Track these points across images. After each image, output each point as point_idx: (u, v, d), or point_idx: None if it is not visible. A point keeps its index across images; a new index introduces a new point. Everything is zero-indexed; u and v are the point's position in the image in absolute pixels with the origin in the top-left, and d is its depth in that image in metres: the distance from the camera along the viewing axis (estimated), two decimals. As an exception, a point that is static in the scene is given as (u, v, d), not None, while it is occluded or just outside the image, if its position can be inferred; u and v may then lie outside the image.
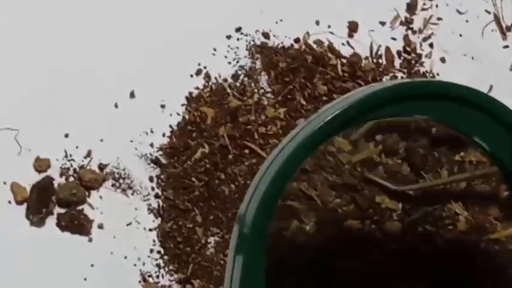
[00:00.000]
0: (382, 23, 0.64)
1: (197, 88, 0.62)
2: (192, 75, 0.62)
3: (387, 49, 0.64)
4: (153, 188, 0.60)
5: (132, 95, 0.61)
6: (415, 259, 0.60)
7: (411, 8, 0.65)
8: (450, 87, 0.47)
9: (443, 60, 0.64)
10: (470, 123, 0.48)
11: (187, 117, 0.62)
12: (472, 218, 0.61)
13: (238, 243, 0.45)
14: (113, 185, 0.60)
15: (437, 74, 0.65)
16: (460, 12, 0.65)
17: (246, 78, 0.63)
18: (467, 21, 0.65)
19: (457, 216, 0.61)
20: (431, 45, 0.65)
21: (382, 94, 0.47)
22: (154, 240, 0.60)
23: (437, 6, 0.65)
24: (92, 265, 0.58)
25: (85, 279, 0.58)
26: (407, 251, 0.60)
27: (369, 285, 0.59)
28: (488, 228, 0.61)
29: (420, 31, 0.65)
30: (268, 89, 0.63)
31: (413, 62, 0.65)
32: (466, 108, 0.46)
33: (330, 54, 0.64)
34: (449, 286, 0.60)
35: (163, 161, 0.61)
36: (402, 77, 0.65)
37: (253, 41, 0.63)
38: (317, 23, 0.63)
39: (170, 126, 0.61)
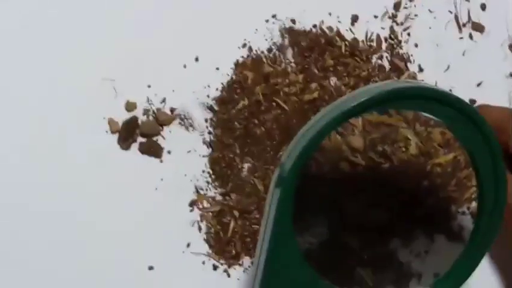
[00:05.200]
0: (375, 16, 0.71)
1: (242, 57, 0.68)
2: (239, 47, 0.68)
3: (377, 35, 0.71)
4: (207, 127, 0.67)
5: (196, 59, 0.67)
6: (375, 174, 0.67)
7: (396, 6, 0.71)
8: (447, 96, 0.51)
9: (416, 45, 0.71)
10: (455, 124, 0.53)
11: (234, 77, 0.68)
12: (421, 143, 0.67)
13: (278, 182, 0.52)
14: (179, 123, 0.67)
15: (411, 55, 0.71)
16: (430, 11, 0.72)
17: (277, 52, 0.69)
18: (435, 18, 0.72)
19: (408, 140, 0.67)
20: (408, 34, 0.71)
21: (410, 91, 0.52)
22: (205, 164, 0.67)
23: (415, 6, 0.72)
24: (162, 179, 0.66)
25: (156, 188, 0.66)
26: (370, 166, 0.67)
27: (338, 192, 0.67)
28: (433, 153, 0.67)
29: (402, 23, 0.72)
30: (292, 61, 0.69)
31: (395, 45, 0.71)
32: (454, 110, 0.51)
33: (337, 38, 0.70)
34: (401, 198, 0.67)
35: (216, 108, 0.68)
36: (386, 57, 0.71)
37: (284, 24, 0.69)
38: (330, 14, 0.70)
39: (222, 83, 0.68)
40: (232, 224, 0.68)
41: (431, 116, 0.53)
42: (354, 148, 0.67)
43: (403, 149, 0.67)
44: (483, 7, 0.74)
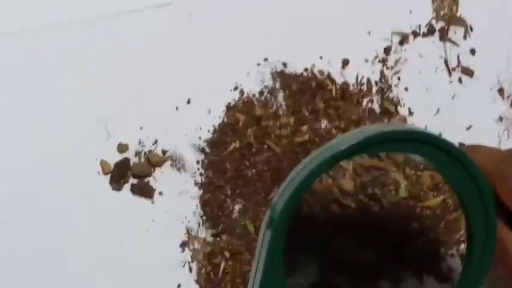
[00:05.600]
0: (366, 60, 0.71)
1: (234, 99, 0.68)
2: (231, 90, 0.68)
3: (368, 79, 0.71)
4: (198, 169, 0.68)
5: (188, 102, 0.67)
6: (365, 215, 0.67)
7: (387, 51, 0.72)
8: (434, 138, 0.51)
9: (406, 89, 0.71)
10: (444, 166, 0.52)
11: (225, 120, 0.68)
12: (410, 186, 0.67)
13: (269, 223, 0.52)
14: (171, 165, 0.67)
15: (402, 99, 0.71)
16: (420, 56, 0.72)
17: (268, 95, 0.70)
18: (425, 62, 0.72)
19: (398, 184, 0.67)
20: (399, 78, 0.72)
21: (395, 134, 0.51)
22: (197, 205, 0.67)
23: (405, 50, 0.72)
24: (153, 220, 0.66)
25: (147, 229, 0.66)
26: (359, 209, 0.67)
27: (329, 234, 0.66)
28: (422, 196, 0.67)
29: (392, 67, 0.72)
30: (284, 103, 0.69)
31: (385, 89, 0.72)
32: (442, 152, 0.51)
33: (327, 81, 0.70)
34: (390, 240, 0.67)
35: (207, 150, 0.68)
36: (377, 100, 0.71)
37: (275, 68, 0.70)
38: (321, 57, 0.70)
39: (213, 126, 0.68)
40: (223, 265, 0.67)
41: (421, 159, 0.52)
42: (345, 191, 0.67)
43: (393, 192, 0.68)
44: (472, 52, 0.74)
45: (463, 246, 0.69)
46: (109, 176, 0.67)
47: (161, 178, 0.68)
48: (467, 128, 0.72)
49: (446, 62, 0.74)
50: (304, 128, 0.70)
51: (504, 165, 0.53)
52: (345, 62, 0.72)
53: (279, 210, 0.52)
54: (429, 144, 0.51)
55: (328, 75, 0.71)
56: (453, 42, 0.74)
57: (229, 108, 0.70)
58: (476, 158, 0.52)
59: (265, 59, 0.71)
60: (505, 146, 0.72)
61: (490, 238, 0.54)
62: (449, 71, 0.74)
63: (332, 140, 0.55)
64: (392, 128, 0.54)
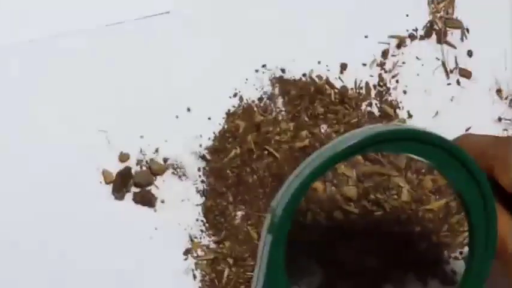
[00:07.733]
0: (364, 64, 0.71)
1: (234, 106, 0.68)
2: (230, 97, 0.68)
3: (366, 83, 0.71)
4: (200, 176, 0.67)
5: (188, 109, 0.67)
6: (368, 221, 0.66)
7: (384, 54, 0.72)
8: (430, 135, 0.50)
9: (405, 92, 0.71)
10: (442, 164, 0.51)
11: (226, 127, 0.68)
12: (412, 190, 0.67)
13: (269, 227, 0.51)
14: (172, 173, 0.67)
15: (400, 102, 0.71)
16: (418, 59, 0.72)
17: (267, 101, 0.69)
18: (422, 65, 0.72)
19: (400, 188, 0.67)
20: (397, 81, 0.72)
21: (393, 133, 0.50)
22: (199, 213, 0.67)
23: (402, 53, 0.72)
24: (156, 228, 0.66)
25: (150, 237, 0.66)
26: (363, 214, 0.66)
27: (332, 240, 0.66)
28: (424, 200, 0.67)
29: (390, 71, 0.72)
30: (283, 109, 0.69)
31: (383, 92, 0.71)
32: (439, 150, 0.50)
33: (326, 86, 0.70)
34: (393, 244, 0.67)
35: (208, 157, 0.68)
36: (376, 104, 0.71)
37: (274, 74, 0.70)
38: (319, 62, 0.70)
39: (214, 133, 0.68)
40: (226, 272, 0.67)
41: (422, 159, 0.52)
42: (348, 198, 0.67)
43: (395, 197, 0.67)
44: (470, 54, 0.74)
45: (466, 249, 0.68)
46: (111, 185, 0.67)
47: (163, 186, 0.68)
48: (467, 129, 0.72)
49: (443, 64, 0.74)
50: (304, 133, 0.69)
51: (500, 146, 0.53)
52: (343, 67, 0.72)
53: (279, 214, 0.51)
54: (424, 142, 0.50)
55: (327, 80, 0.71)
56: (450, 45, 0.74)
57: (229, 115, 0.69)
58: (470, 144, 0.52)
59: (264, 66, 0.71)
60: (504, 146, 0.71)
61: (490, 233, 0.53)
62: (447, 73, 0.74)
63: (330, 142, 0.54)
64: (390, 128, 0.53)
